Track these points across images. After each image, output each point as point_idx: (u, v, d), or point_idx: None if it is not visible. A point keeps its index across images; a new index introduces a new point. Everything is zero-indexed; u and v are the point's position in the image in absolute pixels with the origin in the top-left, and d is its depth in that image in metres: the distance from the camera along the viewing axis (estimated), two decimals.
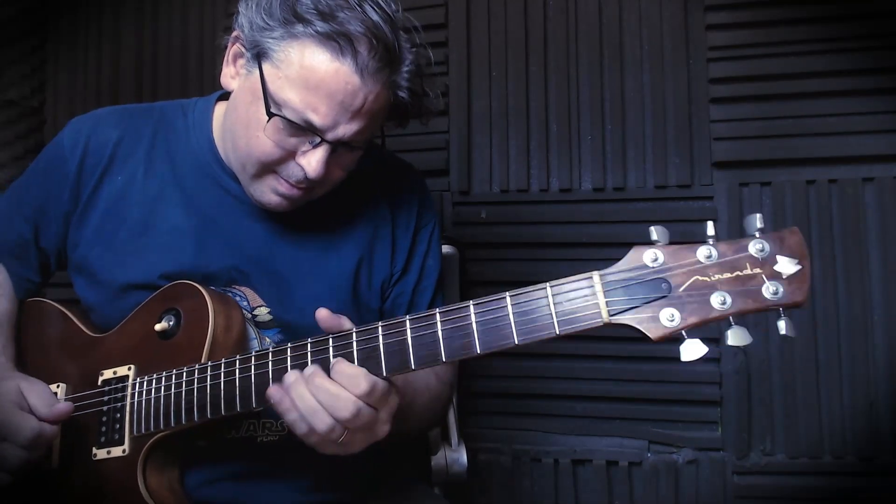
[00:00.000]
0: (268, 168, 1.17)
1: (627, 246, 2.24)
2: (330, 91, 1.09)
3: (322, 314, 1.04)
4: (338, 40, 1.07)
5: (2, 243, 1.36)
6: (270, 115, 1.11)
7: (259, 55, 1.13)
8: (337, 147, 1.14)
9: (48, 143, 1.35)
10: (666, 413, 2.08)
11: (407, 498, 1.36)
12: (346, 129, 1.12)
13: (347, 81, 1.09)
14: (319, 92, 1.09)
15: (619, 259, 2.28)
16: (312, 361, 1.02)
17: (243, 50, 1.17)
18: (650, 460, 2.08)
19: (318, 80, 1.09)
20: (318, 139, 1.12)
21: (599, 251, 2.12)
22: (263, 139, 1.13)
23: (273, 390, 1.01)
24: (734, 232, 2.03)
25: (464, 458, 1.66)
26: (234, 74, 1.21)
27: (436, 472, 1.63)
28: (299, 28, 1.09)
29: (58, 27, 2.57)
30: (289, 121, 1.11)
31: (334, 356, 1.01)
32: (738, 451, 2.03)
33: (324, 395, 0.97)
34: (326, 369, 0.99)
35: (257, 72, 1.13)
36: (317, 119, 1.10)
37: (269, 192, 1.19)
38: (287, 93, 1.10)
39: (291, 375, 1.01)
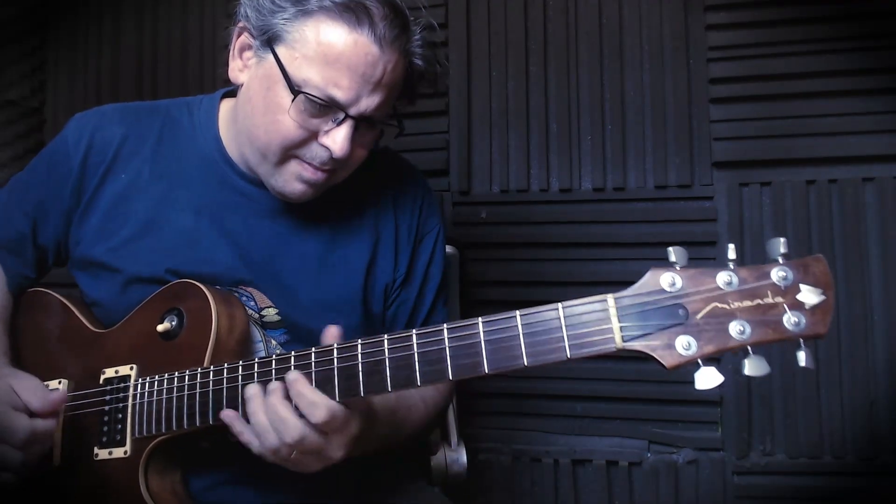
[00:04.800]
0: (291, 153, 1.16)
1: (628, 246, 2.24)
2: (350, 64, 1.08)
3: (332, 333, 1.04)
4: (354, 10, 1.07)
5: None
6: (296, 93, 1.10)
7: (271, 40, 1.12)
8: (359, 123, 1.14)
9: (52, 139, 1.34)
10: (666, 413, 2.08)
11: (407, 498, 1.36)
12: (368, 103, 1.12)
13: (367, 52, 1.09)
14: (340, 66, 1.08)
15: (619, 259, 2.27)
16: (316, 372, 1.01)
17: (251, 39, 1.16)
18: (650, 460, 2.08)
19: (337, 54, 1.08)
20: (341, 115, 1.12)
21: (599, 251, 2.12)
22: (286, 121, 1.12)
23: (227, 413, 1.04)
24: (735, 232, 2.03)
25: (463, 457, 1.66)
26: (241, 67, 1.20)
27: (435, 472, 1.63)
28: (312, 4, 1.08)
29: (58, 27, 2.57)
30: (313, 99, 1.10)
31: (339, 367, 1.00)
32: (738, 451, 2.03)
33: (273, 415, 0.99)
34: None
35: (271, 57, 1.12)
36: (340, 94, 1.09)
37: (294, 179, 1.18)
38: (306, 72, 1.09)
39: (252, 389, 1.03)
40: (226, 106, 1.31)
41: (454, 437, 1.68)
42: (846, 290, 1.97)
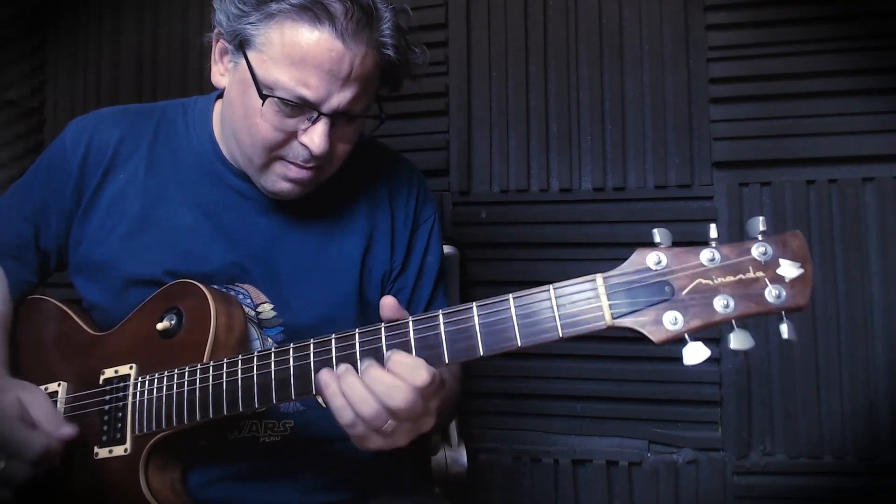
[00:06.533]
0: (273, 154, 1.17)
1: (627, 246, 2.24)
2: (316, 62, 1.09)
3: (388, 302, 1.01)
4: (312, 9, 1.07)
5: (1, 244, 1.35)
6: (263, 97, 1.11)
7: (241, 44, 1.13)
8: (336, 119, 1.14)
9: (49, 144, 1.35)
10: (666, 413, 2.08)
11: (407, 498, 1.36)
12: (340, 99, 1.12)
13: (331, 49, 1.08)
14: (306, 65, 1.09)
15: (619, 259, 2.28)
16: (315, 362, 1.02)
17: (226, 44, 1.17)
18: (650, 460, 2.08)
19: (302, 54, 1.08)
20: (315, 114, 1.12)
21: (599, 251, 2.12)
22: (262, 125, 1.13)
23: (324, 373, 0.98)
24: (734, 232, 2.03)
25: (464, 458, 1.66)
26: (222, 71, 1.21)
27: (436, 473, 1.63)
28: (273, 7, 1.09)
29: (58, 27, 2.58)
30: (283, 100, 1.10)
31: (337, 357, 1.01)
32: (738, 451, 2.03)
33: (379, 385, 0.94)
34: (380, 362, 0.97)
35: (243, 61, 1.13)
36: (309, 93, 1.10)
37: (280, 179, 1.19)
38: (275, 73, 1.10)
39: (343, 367, 0.98)
40: (220, 107, 1.32)
41: (454, 437, 1.68)
42: (846, 290, 1.98)
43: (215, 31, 1.19)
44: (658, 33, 2.12)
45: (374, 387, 0.94)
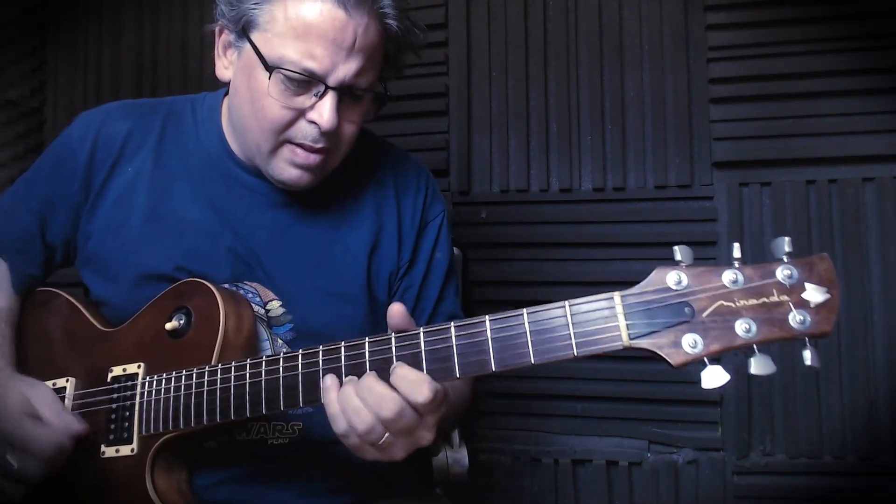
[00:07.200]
0: (281, 137, 1.17)
1: (628, 246, 2.24)
2: (320, 32, 1.09)
3: (395, 309, 1.00)
4: None
5: (4, 238, 1.35)
6: (271, 70, 1.11)
7: (245, 28, 1.14)
8: (342, 95, 1.14)
9: (56, 138, 1.34)
10: (666, 413, 2.08)
11: (409, 499, 1.36)
12: (345, 70, 1.12)
13: (334, 18, 1.09)
14: (310, 36, 1.09)
15: (619, 259, 2.27)
16: (324, 370, 1.01)
17: (230, 34, 1.18)
18: (650, 460, 2.08)
19: (306, 26, 1.09)
20: (321, 87, 1.13)
21: (599, 251, 2.12)
22: (270, 104, 1.14)
23: (328, 378, 0.98)
24: (735, 232, 2.03)
25: (465, 458, 1.65)
26: (227, 64, 1.22)
27: (437, 473, 1.63)
28: None
29: (58, 27, 2.57)
30: (289, 74, 1.11)
31: (346, 365, 1.00)
32: (738, 451, 2.03)
33: (376, 399, 0.93)
34: (385, 374, 0.96)
35: (248, 46, 1.14)
36: (315, 65, 1.10)
37: (288, 165, 1.19)
38: (280, 49, 1.11)
39: (348, 378, 0.98)
40: (228, 102, 1.32)
41: (455, 438, 1.67)
42: (846, 290, 1.97)
43: (218, 24, 1.20)
44: (658, 33, 2.12)
45: (370, 399, 0.93)
